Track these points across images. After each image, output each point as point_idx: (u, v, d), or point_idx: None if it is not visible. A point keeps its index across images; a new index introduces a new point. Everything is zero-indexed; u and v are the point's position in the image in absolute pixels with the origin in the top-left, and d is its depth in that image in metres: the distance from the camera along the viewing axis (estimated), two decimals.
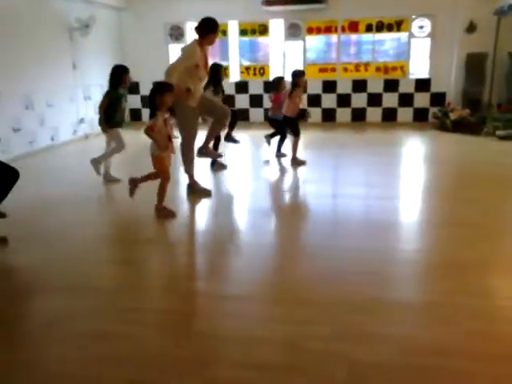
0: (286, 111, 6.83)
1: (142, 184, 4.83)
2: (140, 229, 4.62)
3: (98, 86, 9.50)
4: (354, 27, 10.64)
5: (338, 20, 10.58)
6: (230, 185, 6.28)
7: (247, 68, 11.23)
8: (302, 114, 7.05)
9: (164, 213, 4.74)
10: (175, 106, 5.24)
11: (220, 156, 6.22)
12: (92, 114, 10.06)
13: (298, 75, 6.80)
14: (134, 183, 4.82)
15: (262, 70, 11.13)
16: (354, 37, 11.04)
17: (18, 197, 5.61)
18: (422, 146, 8.83)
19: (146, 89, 11.44)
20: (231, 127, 6.90)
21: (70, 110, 9.37)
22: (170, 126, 4.69)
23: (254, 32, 11.03)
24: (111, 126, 5.87)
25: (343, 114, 11.04)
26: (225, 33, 11.08)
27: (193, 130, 5.39)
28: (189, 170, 5.54)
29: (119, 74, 5.91)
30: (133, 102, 11.23)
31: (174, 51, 11.42)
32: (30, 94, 8.11)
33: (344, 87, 10.89)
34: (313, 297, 3.09)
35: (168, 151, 4.62)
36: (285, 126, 6.94)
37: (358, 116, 10.99)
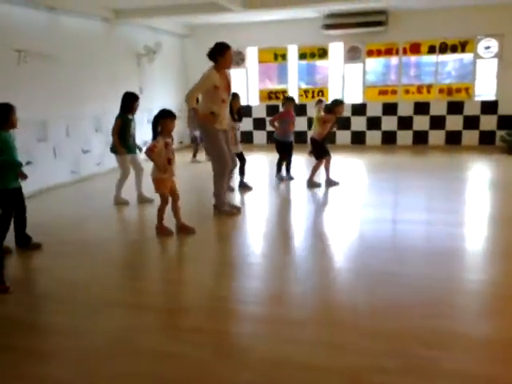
0: (314, 134, 7.04)
1: (163, 220, 4.94)
2: (194, 248, 4.69)
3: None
4: (415, 49, 10.46)
5: (398, 42, 10.44)
6: (284, 208, 6.27)
7: (306, 91, 11.29)
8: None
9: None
10: (201, 131, 5.45)
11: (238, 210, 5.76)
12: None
13: (335, 104, 6.99)
14: (160, 229, 4.93)
15: (321, 93, 11.13)
16: (413, 58, 10.85)
17: (81, 215, 5.91)
18: (489, 170, 8.42)
19: None
20: (241, 173, 6.94)
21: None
22: (172, 150, 4.84)
23: (313, 55, 11.10)
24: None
25: (404, 137, 10.78)
26: (284, 57, 11.24)
27: (222, 152, 5.39)
28: (220, 194, 5.49)
29: (130, 101, 6.16)
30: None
31: (235, 76, 11.70)
32: (99, 117, 8.55)
33: (405, 109, 10.67)
34: (377, 327, 2.97)
35: (168, 174, 4.78)
36: (315, 148, 7.04)
37: (420, 139, 10.69)
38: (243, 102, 11.69)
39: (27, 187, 6.76)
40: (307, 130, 11.25)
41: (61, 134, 7.66)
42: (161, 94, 10.38)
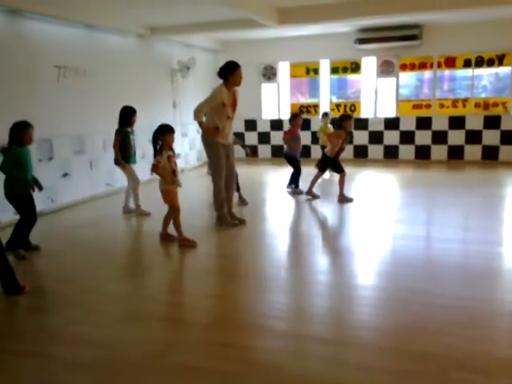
0: (326, 150, 7.04)
1: (168, 229, 5.16)
2: (222, 262, 4.70)
3: (194, 123, 10.04)
4: (450, 63, 10.29)
5: (433, 56, 10.31)
6: (313, 223, 6.22)
7: (337, 105, 11.25)
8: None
9: (188, 242, 5.02)
10: (204, 143, 5.70)
11: (243, 222, 5.87)
12: (187, 149, 10.61)
13: (343, 119, 6.96)
14: (164, 236, 5.18)
15: (353, 107, 11.08)
16: (446, 72, 10.67)
17: (114, 227, 6.02)
18: None
19: (239, 126, 11.87)
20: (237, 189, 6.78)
21: None
22: (174, 162, 5.03)
23: (345, 70, 11.06)
24: (125, 162, 6.36)
25: (438, 152, 10.58)
26: (316, 71, 11.25)
27: (221, 166, 5.59)
28: (219, 208, 5.68)
29: (128, 115, 6.40)
30: None
31: (267, 90, 11.80)
32: (134, 131, 8.72)
33: (440, 124, 10.48)
34: (410, 347, 2.89)
35: (175, 185, 4.99)
36: (323, 162, 7.08)
37: (455, 154, 10.46)
38: (274, 115, 11.84)
39: (64, 198, 7.04)
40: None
41: (97, 147, 7.86)
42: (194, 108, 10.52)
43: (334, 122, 7.15)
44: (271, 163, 10.91)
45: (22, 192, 4.72)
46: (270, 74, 11.65)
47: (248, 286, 4.07)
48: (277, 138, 11.36)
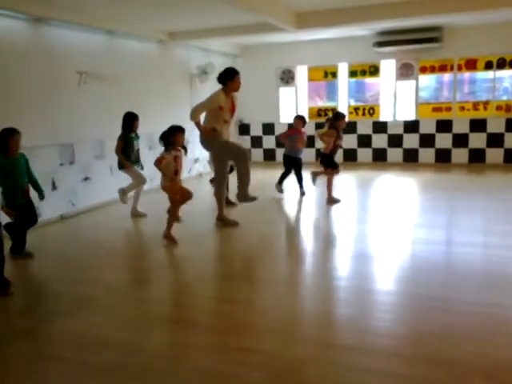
0: (322, 149, 7.18)
1: (172, 229, 5.26)
2: (242, 266, 4.71)
3: None
4: (471, 65, 10.14)
5: (453, 58, 10.18)
6: (332, 228, 6.19)
7: (356, 108, 11.18)
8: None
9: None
10: (204, 143, 5.92)
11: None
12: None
13: (336, 118, 7.14)
14: (168, 237, 5.26)
15: (372, 111, 11.00)
16: (466, 75, 10.51)
17: (131, 230, 6.07)
18: None
19: (256, 130, 11.91)
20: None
21: None
22: (180, 163, 5.15)
23: (364, 73, 11.00)
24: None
25: (459, 155, 10.42)
26: (334, 75, 11.21)
27: (224, 168, 5.95)
28: (219, 191, 5.92)
29: (130, 120, 6.50)
30: (245, 142, 11.66)
31: (285, 94, 11.79)
32: (152, 135, 8.79)
33: (461, 127, 10.33)
34: (433, 354, 2.83)
35: (174, 182, 5.11)
36: (324, 160, 7.19)
37: (477, 157, 10.29)
38: (292, 119, 11.80)
39: (85, 202, 7.14)
40: (357, 148, 11.14)
41: None
42: None
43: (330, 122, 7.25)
44: None
45: (17, 202, 4.70)
46: (287, 77, 11.65)
47: (265, 291, 4.07)
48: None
